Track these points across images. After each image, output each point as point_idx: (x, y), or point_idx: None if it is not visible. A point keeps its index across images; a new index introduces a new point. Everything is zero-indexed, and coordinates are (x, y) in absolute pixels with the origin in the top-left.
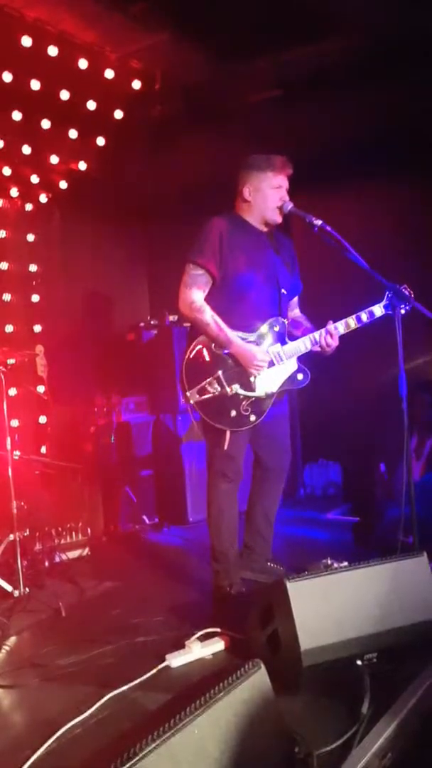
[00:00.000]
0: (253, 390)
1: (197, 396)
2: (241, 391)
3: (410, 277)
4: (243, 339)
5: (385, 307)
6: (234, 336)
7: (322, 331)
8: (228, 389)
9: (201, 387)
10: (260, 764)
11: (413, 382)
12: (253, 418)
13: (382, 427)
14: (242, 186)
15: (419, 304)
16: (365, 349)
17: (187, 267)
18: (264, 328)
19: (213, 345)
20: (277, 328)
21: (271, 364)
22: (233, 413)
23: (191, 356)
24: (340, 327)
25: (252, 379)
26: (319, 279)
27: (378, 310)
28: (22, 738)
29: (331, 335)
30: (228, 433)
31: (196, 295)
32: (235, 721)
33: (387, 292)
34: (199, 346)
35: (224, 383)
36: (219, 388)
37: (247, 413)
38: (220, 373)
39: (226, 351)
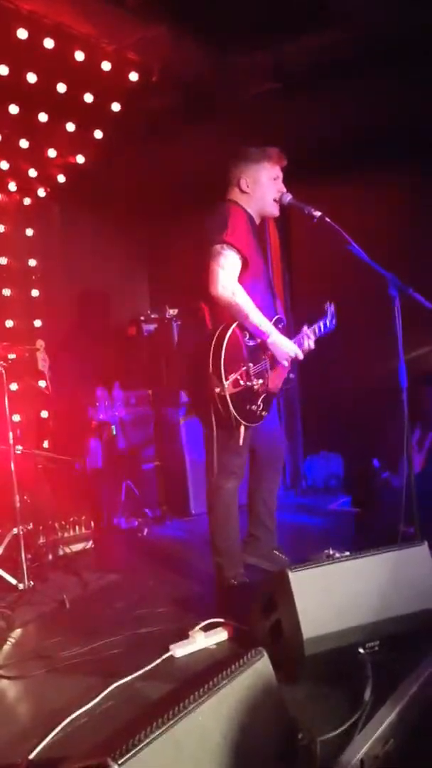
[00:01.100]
0: (268, 385)
1: (232, 388)
2: (262, 387)
3: (411, 268)
4: None
5: (330, 321)
6: (271, 325)
7: (302, 336)
8: (254, 383)
9: (235, 379)
10: (263, 750)
11: (415, 373)
12: (264, 413)
13: (383, 419)
14: (238, 178)
15: (419, 294)
16: (366, 340)
17: (218, 248)
18: (273, 324)
19: (245, 336)
20: (279, 327)
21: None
22: (252, 407)
23: (228, 345)
24: (311, 333)
25: (268, 374)
26: (318, 271)
27: (327, 322)
28: (28, 728)
29: (309, 338)
30: (242, 428)
31: (231, 278)
32: (239, 707)
33: (327, 307)
34: (234, 335)
35: (252, 376)
36: (247, 382)
37: (259, 408)
38: (250, 365)
39: (257, 341)
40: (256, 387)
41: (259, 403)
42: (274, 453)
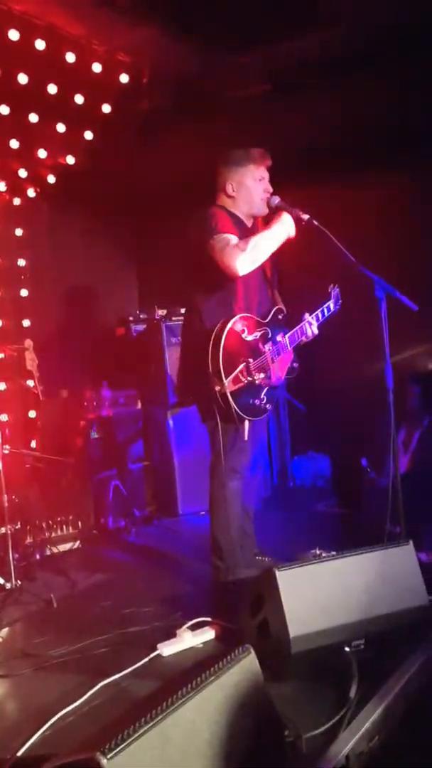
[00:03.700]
0: (270, 378)
1: (233, 385)
2: (265, 380)
3: (398, 270)
4: (259, 324)
5: (334, 304)
6: (265, 231)
7: (305, 323)
8: (255, 378)
9: (235, 376)
10: (250, 746)
11: (401, 374)
12: (269, 406)
13: (370, 420)
14: (224, 183)
15: (403, 296)
16: (353, 341)
17: (213, 240)
18: (271, 316)
19: (243, 332)
20: (280, 317)
21: (279, 352)
22: (255, 402)
23: (226, 344)
24: (312, 320)
25: (269, 367)
26: (306, 274)
27: (331, 305)
28: (15, 726)
29: (312, 325)
30: (247, 423)
31: (232, 246)
32: (226, 703)
33: (330, 290)
34: (231, 332)
35: (252, 372)
36: (248, 377)
37: (264, 402)
38: (250, 361)
39: (255, 335)
40: (257, 381)
41: (262, 396)
42: (257, 455)
